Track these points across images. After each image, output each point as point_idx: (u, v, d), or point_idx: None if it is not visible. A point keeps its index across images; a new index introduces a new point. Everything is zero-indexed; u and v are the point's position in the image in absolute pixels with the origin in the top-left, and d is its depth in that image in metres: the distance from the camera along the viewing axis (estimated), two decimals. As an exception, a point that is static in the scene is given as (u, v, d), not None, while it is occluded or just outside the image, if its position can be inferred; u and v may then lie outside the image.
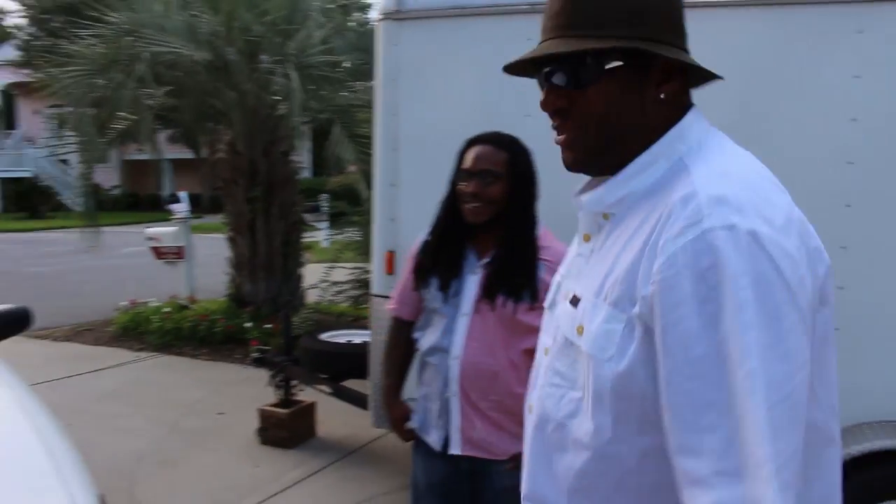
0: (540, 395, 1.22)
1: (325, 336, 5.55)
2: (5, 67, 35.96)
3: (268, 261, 8.71)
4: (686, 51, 1.15)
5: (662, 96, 1.12)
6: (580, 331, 1.11)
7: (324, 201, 15.12)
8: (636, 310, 1.02)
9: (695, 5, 3.15)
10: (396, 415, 2.63)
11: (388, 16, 3.81)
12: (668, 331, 0.96)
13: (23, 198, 32.82)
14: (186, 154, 29.87)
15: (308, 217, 12.68)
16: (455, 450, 2.38)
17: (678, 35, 1.14)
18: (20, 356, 4.97)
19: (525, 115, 3.42)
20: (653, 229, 1.02)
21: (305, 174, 24.45)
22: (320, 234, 14.96)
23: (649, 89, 1.12)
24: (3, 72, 36.73)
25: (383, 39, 3.93)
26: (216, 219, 20.87)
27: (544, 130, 3.18)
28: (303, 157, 9.42)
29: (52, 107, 35.35)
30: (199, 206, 26.23)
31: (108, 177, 33.06)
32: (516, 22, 3.57)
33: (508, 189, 2.30)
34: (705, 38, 3.09)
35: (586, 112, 1.12)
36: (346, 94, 8.57)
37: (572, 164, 1.18)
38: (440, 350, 2.40)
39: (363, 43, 8.54)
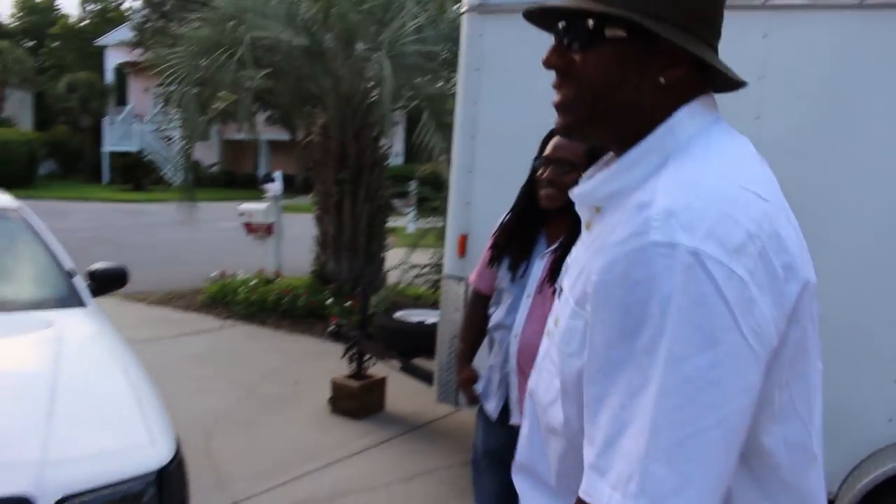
0: (535, 379, 1.25)
1: (398, 315, 5.75)
2: (119, 47, 37.59)
3: (352, 241, 8.98)
4: (710, 45, 1.09)
5: (663, 81, 1.06)
6: (556, 322, 1.16)
7: (413, 187, 15.39)
8: (588, 307, 1.02)
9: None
10: (463, 377, 2.81)
11: (473, 9, 3.95)
12: (594, 328, 0.99)
13: (128, 171, 34.22)
14: (283, 135, 30.65)
15: (396, 202, 12.94)
16: (515, 420, 2.53)
17: (703, 25, 1.08)
18: (118, 315, 5.33)
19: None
20: (614, 229, 1.02)
21: (398, 160, 24.82)
22: (406, 220, 15.23)
23: (653, 70, 1.06)
24: (118, 51, 38.39)
25: (467, 31, 4.08)
26: (308, 200, 21.46)
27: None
28: (395, 144, 9.63)
29: (159, 85, 36.95)
30: (292, 186, 26.90)
31: (208, 155, 34.17)
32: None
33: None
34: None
35: (581, 76, 1.08)
36: (437, 83, 8.74)
37: (562, 129, 1.16)
38: (503, 327, 2.56)
39: (456, 34, 8.69)
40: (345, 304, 8.36)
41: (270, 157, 34.72)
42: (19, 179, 26.37)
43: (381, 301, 7.29)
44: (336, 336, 5.81)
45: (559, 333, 1.11)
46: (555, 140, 2.45)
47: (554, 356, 1.16)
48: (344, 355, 5.76)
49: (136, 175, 33.60)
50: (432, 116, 7.98)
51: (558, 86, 1.12)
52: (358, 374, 5.68)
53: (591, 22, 1.06)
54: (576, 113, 1.11)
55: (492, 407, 2.63)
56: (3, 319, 3.30)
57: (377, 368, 5.82)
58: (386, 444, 5.13)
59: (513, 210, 2.65)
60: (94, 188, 32.94)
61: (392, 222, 10.21)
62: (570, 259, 1.24)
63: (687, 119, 1.07)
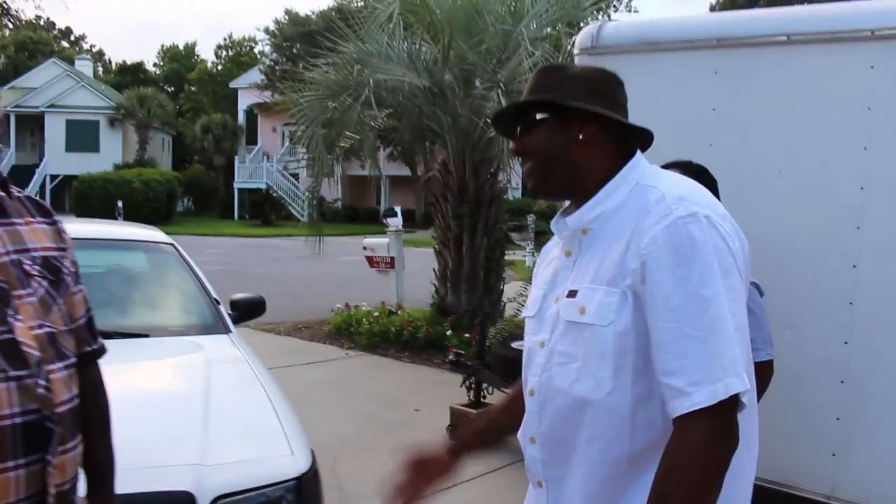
0: (541, 380, 1.55)
1: (516, 344, 5.93)
2: (250, 89, 39.67)
3: (470, 274, 9.25)
4: (616, 111, 1.54)
5: (581, 136, 1.52)
6: (582, 311, 1.47)
7: (531, 221, 15.60)
8: (627, 281, 1.40)
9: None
10: None
11: (584, 51, 4.16)
12: (653, 290, 1.37)
13: (257, 207, 35.93)
14: (403, 171, 31.51)
15: (514, 236, 13.17)
16: None
17: (605, 100, 1.54)
18: (251, 344, 5.73)
19: (709, 145, 3.68)
20: (633, 227, 1.42)
21: (516, 193, 25.15)
22: (525, 253, 15.42)
23: (571, 132, 1.53)
24: (249, 93, 40.50)
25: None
26: (427, 234, 22.01)
27: (726, 159, 3.44)
28: (512, 177, 9.88)
29: (286, 125, 38.64)
30: (412, 220, 27.64)
31: (331, 190, 35.50)
32: (703, 56, 3.80)
33: None
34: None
35: (530, 150, 1.58)
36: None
37: (532, 190, 1.65)
38: None
39: (572, 70, 8.91)
40: (463, 335, 8.61)
41: (391, 192, 35.66)
42: (160, 216, 28.05)
43: (499, 332, 7.49)
44: (455, 365, 6.05)
45: (592, 315, 1.45)
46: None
47: (563, 349, 1.51)
48: (462, 384, 5.98)
49: (264, 210, 35.17)
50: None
51: (522, 164, 1.61)
52: (476, 402, 5.89)
53: (529, 114, 1.57)
54: (536, 177, 1.59)
55: None
56: (161, 343, 3.71)
57: (494, 397, 6.01)
58: (502, 471, 5.28)
59: None
60: (225, 223, 34.66)
61: (510, 255, 10.43)
62: (541, 288, 1.65)
63: (641, 161, 1.57)
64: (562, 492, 1.54)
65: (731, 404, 1.33)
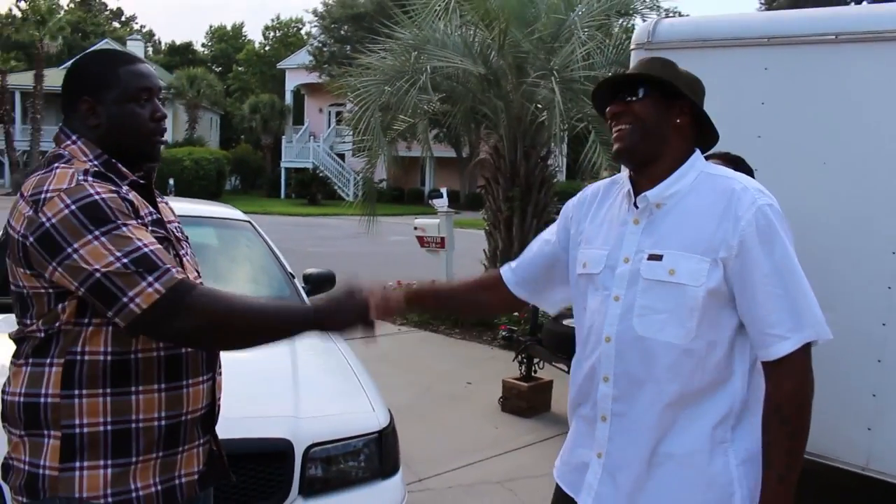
0: (619, 328, 1.83)
1: (567, 322, 6.21)
2: (298, 70, 40.14)
3: (520, 255, 9.50)
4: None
5: (678, 121, 1.84)
6: (672, 272, 1.77)
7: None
8: (721, 254, 1.73)
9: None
10: None
11: (640, 45, 4.39)
12: (749, 263, 1.72)
13: (303, 186, 36.39)
14: (447, 153, 31.81)
15: (560, 218, 13.39)
16: None
17: (698, 100, 1.88)
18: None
19: (757, 137, 3.91)
20: (723, 210, 1.75)
21: (560, 177, 25.27)
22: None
23: (672, 114, 1.84)
24: (296, 74, 41.00)
25: (635, 66, 4.53)
26: (472, 215, 22.24)
27: (773, 150, 3.66)
28: (558, 161, 10.09)
29: (332, 105, 39.07)
30: (456, 202, 27.89)
31: (379, 171, 35.88)
32: (755, 52, 4.02)
33: None
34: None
35: (635, 115, 1.84)
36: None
37: (618, 151, 1.88)
38: None
39: (621, 58, 9.11)
40: (513, 314, 8.89)
41: (435, 174, 35.94)
42: (209, 194, 28.57)
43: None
44: (508, 341, 6.35)
45: (684, 276, 1.75)
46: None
47: (647, 304, 1.79)
48: (514, 358, 6.30)
49: (310, 190, 35.63)
50: (598, 137, 8.40)
51: (616, 126, 1.87)
52: (527, 376, 6.20)
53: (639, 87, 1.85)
54: (627, 140, 1.86)
55: None
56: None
57: (545, 372, 6.32)
58: (552, 440, 5.59)
59: None
60: (273, 202, 35.19)
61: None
62: (603, 248, 1.91)
63: (699, 157, 1.89)
64: (623, 424, 1.84)
65: (809, 349, 1.72)
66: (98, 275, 1.60)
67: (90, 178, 1.68)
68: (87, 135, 1.80)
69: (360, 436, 2.98)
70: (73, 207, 1.62)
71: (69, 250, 1.60)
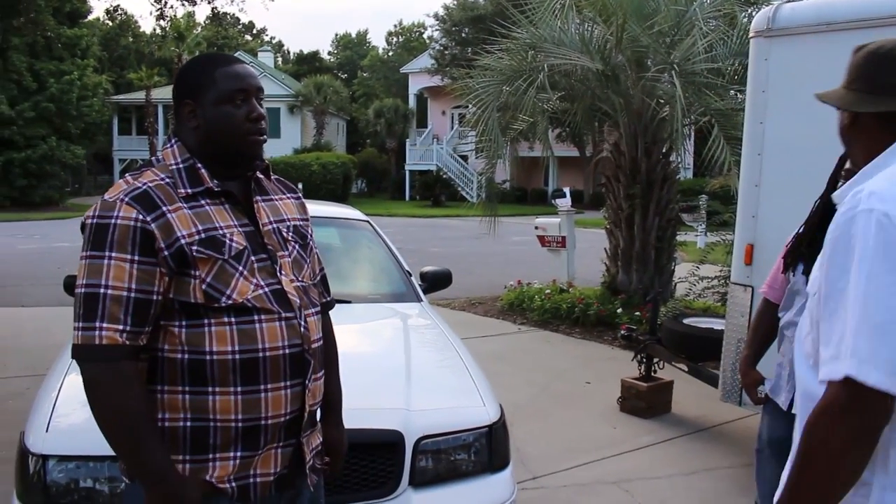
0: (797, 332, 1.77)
1: (688, 321, 6.07)
2: (420, 74, 40.74)
3: (642, 254, 9.35)
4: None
5: (849, 121, 1.71)
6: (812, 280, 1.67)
7: (703, 202, 15.30)
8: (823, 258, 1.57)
9: None
10: (749, 381, 3.14)
11: (759, 33, 4.25)
12: (828, 269, 1.51)
13: (427, 188, 36.95)
14: (570, 152, 31.55)
15: (686, 217, 13.02)
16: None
17: (878, 87, 1.65)
18: (434, 312, 6.19)
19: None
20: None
21: (687, 174, 24.61)
22: (697, 233, 15.20)
23: (846, 116, 1.72)
24: (419, 77, 41.62)
25: (754, 54, 4.38)
26: (595, 214, 22.00)
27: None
28: (684, 158, 9.83)
29: (455, 108, 39.42)
30: (580, 201, 27.62)
31: (500, 172, 35.92)
32: (882, 33, 3.79)
33: None
34: None
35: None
36: (726, 98, 8.88)
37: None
38: (795, 324, 2.83)
39: (745, 48, 8.79)
40: (634, 313, 8.76)
41: (558, 173, 35.70)
42: (336, 197, 29.43)
43: (669, 310, 7.61)
44: (628, 340, 6.27)
45: (810, 283, 1.65)
46: None
47: (806, 311, 1.69)
48: (634, 358, 6.20)
49: (434, 192, 36.12)
50: (721, 131, 8.15)
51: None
52: (647, 376, 6.09)
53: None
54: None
55: (783, 399, 2.92)
56: (368, 308, 4.20)
57: (665, 372, 6.19)
58: (670, 442, 5.48)
59: (808, 220, 2.91)
60: (397, 204, 35.90)
61: (682, 236, 10.41)
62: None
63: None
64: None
65: (860, 391, 1.39)
66: (76, 289, 1.76)
67: (128, 199, 1.76)
68: (189, 137, 1.90)
69: (471, 429, 3.02)
70: (92, 221, 1.77)
71: (80, 255, 1.78)
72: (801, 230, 2.95)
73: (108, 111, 38.38)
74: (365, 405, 2.90)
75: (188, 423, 1.81)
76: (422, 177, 38.61)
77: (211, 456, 1.83)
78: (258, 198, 1.98)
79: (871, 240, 1.43)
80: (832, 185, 2.81)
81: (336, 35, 74.62)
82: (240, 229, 1.88)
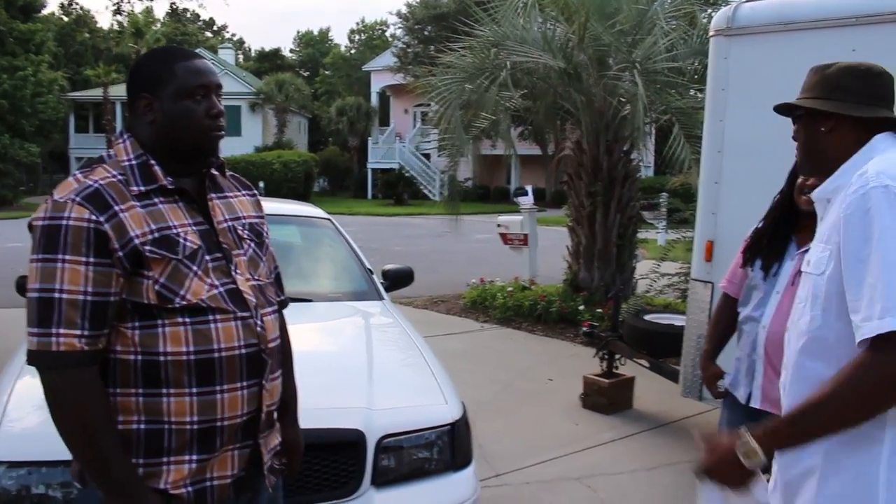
0: (790, 319, 1.96)
1: (649, 317, 6.11)
2: (383, 72, 40.60)
3: (603, 251, 9.41)
4: (863, 102, 1.88)
5: (824, 129, 1.91)
6: (807, 263, 1.88)
7: (663, 200, 15.46)
8: (835, 238, 1.74)
9: None
10: (708, 375, 3.16)
11: (719, 32, 4.29)
12: (846, 244, 1.69)
13: (389, 186, 36.87)
14: (532, 150, 31.66)
15: (646, 214, 13.14)
16: (755, 404, 2.85)
17: (847, 94, 1.89)
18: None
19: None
20: (845, 194, 1.75)
21: (647, 172, 24.83)
22: (657, 231, 15.35)
23: (819, 126, 1.92)
24: (381, 75, 41.49)
25: (714, 53, 4.42)
26: (558, 212, 22.10)
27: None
28: (645, 156, 9.89)
29: (417, 106, 39.38)
30: (542, 199, 27.72)
31: (463, 170, 35.94)
32: (841, 34, 3.87)
33: None
34: None
35: (797, 138, 2.01)
36: (685, 97, 8.97)
37: (799, 168, 2.14)
38: (752, 320, 2.87)
39: (706, 47, 8.87)
40: (596, 310, 8.80)
41: (521, 172, 35.84)
42: (297, 196, 29.15)
43: (631, 306, 7.66)
44: (590, 337, 6.29)
45: (812, 266, 1.83)
46: None
47: (798, 294, 1.92)
48: (596, 354, 6.22)
49: (396, 190, 36.05)
50: (682, 129, 8.22)
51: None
52: (608, 372, 6.12)
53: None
54: (800, 158, 2.04)
55: (741, 393, 2.93)
56: (329, 307, 4.15)
57: (626, 368, 6.22)
58: (632, 438, 5.51)
59: (767, 217, 2.95)
60: (360, 203, 35.74)
61: (642, 234, 10.49)
62: (811, 244, 1.94)
63: (880, 142, 1.86)
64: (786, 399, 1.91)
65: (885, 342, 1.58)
66: (28, 294, 1.70)
67: (79, 199, 1.69)
68: (143, 132, 1.85)
69: (433, 428, 2.99)
70: (42, 223, 1.70)
71: (29, 258, 1.71)
72: (760, 225, 2.97)
73: (64, 108, 37.69)
74: (326, 404, 2.86)
75: (142, 426, 1.77)
76: (384, 175, 38.48)
77: (165, 459, 1.78)
78: (213, 195, 1.94)
79: (889, 209, 1.64)
80: (792, 181, 2.84)
81: (298, 32, 74.25)
82: (194, 228, 1.84)
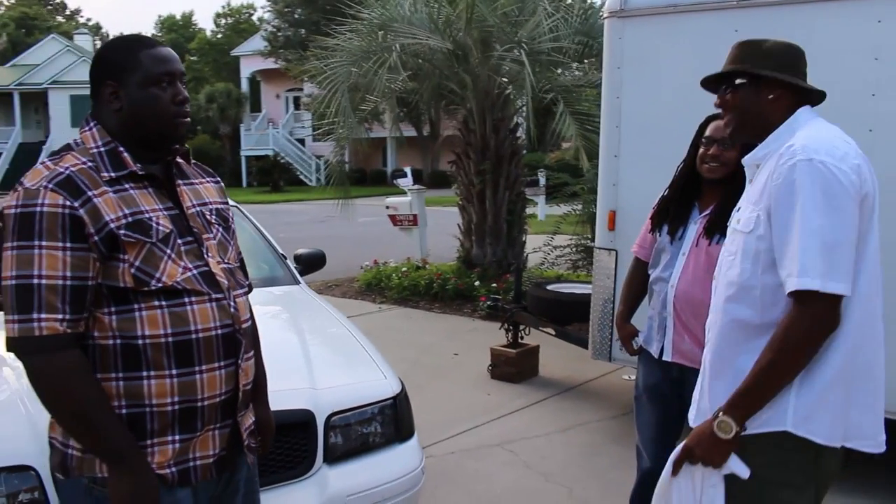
0: (718, 270, 2.18)
1: (551, 287, 6.37)
2: (252, 57, 39.67)
3: (494, 227, 9.66)
4: (797, 77, 2.08)
5: (770, 97, 2.08)
6: (738, 221, 2.10)
7: (542, 176, 15.89)
8: (763, 203, 1.98)
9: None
10: (624, 334, 3.38)
11: (613, 14, 4.52)
12: (775, 211, 1.94)
13: (265, 173, 36.13)
14: (408, 132, 31.76)
15: (527, 191, 13.56)
16: (667, 357, 3.08)
17: (788, 68, 2.07)
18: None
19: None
20: (774, 165, 1.98)
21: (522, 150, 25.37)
22: (538, 207, 15.79)
23: (763, 94, 2.09)
24: (251, 60, 40.52)
25: (609, 33, 4.65)
26: (437, 193, 22.32)
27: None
28: (532, 133, 10.18)
29: (290, 90, 38.72)
30: (420, 180, 27.89)
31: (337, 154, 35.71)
32: (725, 16, 4.16)
33: (739, 155, 2.83)
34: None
35: (732, 106, 2.14)
36: (569, 75, 9.30)
37: (729, 136, 2.22)
38: (662, 280, 3.10)
39: (586, 27, 9.24)
40: (491, 285, 9.05)
41: (397, 154, 35.90)
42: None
43: (527, 281, 7.93)
44: (493, 310, 6.50)
45: (742, 225, 2.05)
46: (714, 124, 2.98)
47: (728, 248, 2.13)
48: (501, 327, 6.44)
49: (272, 177, 35.40)
50: (567, 107, 8.53)
51: (724, 115, 2.20)
52: (514, 342, 6.35)
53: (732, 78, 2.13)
54: (733, 126, 2.17)
55: (654, 349, 3.16)
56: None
57: (531, 338, 6.47)
58: (543, 403, 5.76)
59: (671, 186, 3.18)
60: (235, 191, 34.75)
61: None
62: (740, 204, 2.16)
63: (802, 115, 2.09)
64: (711, 336, 2.16)
65: (819, 296, 1.84)
66: (4, 282, 1.71)
67: (52, 185, 1.71)
68: (109, 119, 1.86)
69: (376, 402, 3.09)
70: (15, 211, 1.71)
71: (3, 247, 1.72)
72: (666, 194, 3.19)
73: None
74: (271, 388, 2.89)
75: (124, 411, 1.80)
76: (258, 162, 37.71)
77: (149, 442, 1.82)
78: (180, 182, 1.97)
79: (811, 181, 1.88)
80: (693, 152, 3.06)
81: (159, 17, 71.45)
82: (165, 213, 1.87)
